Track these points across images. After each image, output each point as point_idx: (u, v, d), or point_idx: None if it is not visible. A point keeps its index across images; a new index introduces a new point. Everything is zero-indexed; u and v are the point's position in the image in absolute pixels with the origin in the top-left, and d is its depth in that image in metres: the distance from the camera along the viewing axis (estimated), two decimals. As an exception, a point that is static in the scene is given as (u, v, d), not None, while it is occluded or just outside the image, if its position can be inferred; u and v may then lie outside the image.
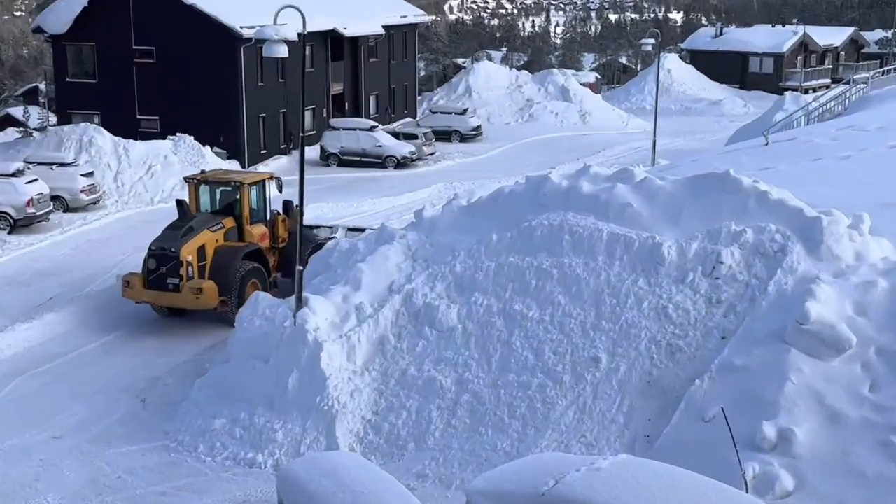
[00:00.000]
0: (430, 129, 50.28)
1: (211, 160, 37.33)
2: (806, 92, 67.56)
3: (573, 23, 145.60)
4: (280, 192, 22.92)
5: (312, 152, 46.22)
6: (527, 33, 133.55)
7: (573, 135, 57.91)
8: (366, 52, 56.61)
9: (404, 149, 45.56)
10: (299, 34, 15.38)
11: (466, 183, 38.58)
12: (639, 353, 13.72)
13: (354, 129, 45.54)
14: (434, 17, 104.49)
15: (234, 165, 40.09)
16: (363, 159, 45.15)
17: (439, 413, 14.12)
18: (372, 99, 58.47)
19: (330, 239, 22.53)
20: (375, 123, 47.80)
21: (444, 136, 54.07)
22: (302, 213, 16.40)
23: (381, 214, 31.55)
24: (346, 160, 45.17)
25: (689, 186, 15.56)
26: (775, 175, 19.53)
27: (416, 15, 63.47)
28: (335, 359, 14.83)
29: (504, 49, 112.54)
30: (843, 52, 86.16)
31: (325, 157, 45.42)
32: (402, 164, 45.02)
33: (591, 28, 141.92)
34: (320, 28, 48.37)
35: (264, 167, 44.33)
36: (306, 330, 15.04)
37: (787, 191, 15.39)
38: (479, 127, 56.23)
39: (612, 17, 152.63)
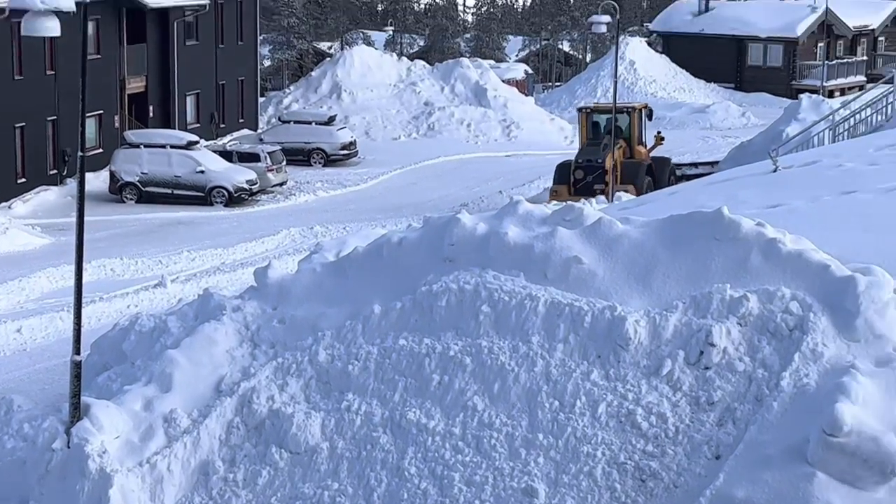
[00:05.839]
0: (278, 148, 50.24)
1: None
2: (831, 95, 69.75)
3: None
4: (650, 119, 43.10)
5: (98, 181, 45.64)
6: (423, 5, 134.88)
7: (493, 156, 58.39)
8: (181, 30, 56.39)
9: (240, 176, 45.41)
10: (78, 2, 15.26)
11: (334, 228, 38.48)
12: (593, 483, 13.74)
13: (163, 147, 45.32)
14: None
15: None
16: (176, 192, 44.88)
17: (293, 579, 13.92)
18: (190, 101, 58.15)
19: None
20: (196, 138, 47.58)
21: (299, 157, 54.07)
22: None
23: (208, 275, 31.21)
24: (151, 193, 44.89)
25: (664, 233, 15.75)
26: (789, 216, 19.94)
27: (257, -24, 63.68)
28: (132, 498, 14.53)
29: (390, 28, 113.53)
30: (882, 38, 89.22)
31: (119, 189, 45.11)
32: (235, 199, 44.83)
33: (517, 0, 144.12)
34: (111, -7, 48.14)
35: (23, 204, 43.64)
36: (87, 455, 14.72)
37: (806, 239, 15.70)
38: (352, 144, 56.45)
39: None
